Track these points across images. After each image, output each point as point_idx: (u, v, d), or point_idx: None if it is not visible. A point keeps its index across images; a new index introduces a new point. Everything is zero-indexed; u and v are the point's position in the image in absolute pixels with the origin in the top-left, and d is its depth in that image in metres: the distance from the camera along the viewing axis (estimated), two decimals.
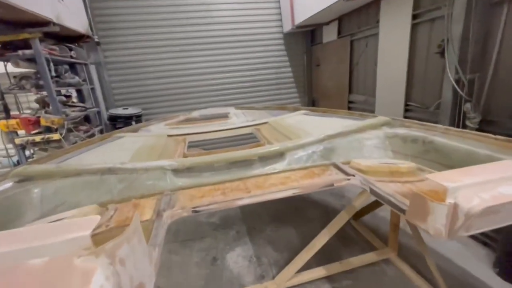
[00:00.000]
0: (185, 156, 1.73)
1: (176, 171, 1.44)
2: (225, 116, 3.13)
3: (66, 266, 0.50)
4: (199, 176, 1.47)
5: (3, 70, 2.25)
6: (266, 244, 2.30)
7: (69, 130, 2.49)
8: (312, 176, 1.41)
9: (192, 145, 2.44)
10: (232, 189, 1.29)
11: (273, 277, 1.86)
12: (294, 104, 5.33)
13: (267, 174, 1.46)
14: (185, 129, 2.57)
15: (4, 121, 2.12)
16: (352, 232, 2.40)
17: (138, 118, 4.28)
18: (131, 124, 4.01)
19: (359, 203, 1.66)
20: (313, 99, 5.50)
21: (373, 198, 1.26)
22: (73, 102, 3.24)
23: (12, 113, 2.23)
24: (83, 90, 3.49)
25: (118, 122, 3.87)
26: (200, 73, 4.89)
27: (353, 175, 1.33)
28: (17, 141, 2.20)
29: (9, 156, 2.50)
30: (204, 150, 3.00)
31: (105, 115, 4.05)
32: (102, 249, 0.54)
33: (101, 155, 1.72)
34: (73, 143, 2.44)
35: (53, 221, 1.06)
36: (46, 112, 2.33)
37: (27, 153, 2.34)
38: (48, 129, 2.30)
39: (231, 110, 3.49)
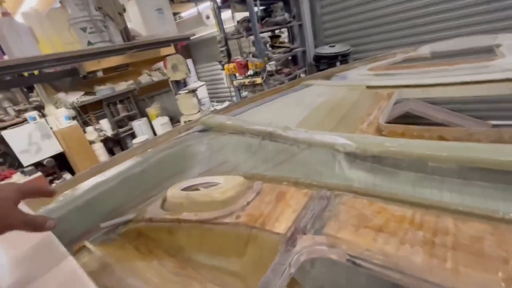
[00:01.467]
0: (378, 130, 1.11)
1: (353, 157, 0.92)
2: (487, 51, 1.79)
3: None
4: (390, 176, 0.85)
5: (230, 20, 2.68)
6: None
7: (271, 74, 2.63)
8: None
9: (400, 101, 1.65)
10: (457, 241, 0.56)
11: None
12: None
13: None
14: (397, 76, 1.76)
15: (226, 65, 2.63)
16: None
17: (344, 58, 3.80)
18: (334, 66, 3.66)
19: None
20: None
21: None
22: (280, 42, 3.38)
23: (234, 57, 2.73)
24: (293, 28, 3.52)
25: (322, 63, 3.66)
26: None
27: None
28: (235, 83, 2.69)
29: (231, 95, 3.24)
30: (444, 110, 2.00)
31: (311, 54, 3.99)
32: None
33: (277, 109, 1.55)
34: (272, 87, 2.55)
35: (204, 183, 1.04)
36: (253, 56, 2.58)
37: (244, 94, 2.86)
38: (256, 72, 2.57)
39: (507, 40, 1.89)
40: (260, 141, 1.16)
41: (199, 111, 4.90)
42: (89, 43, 1.20)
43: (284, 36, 3.63)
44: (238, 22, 2.78)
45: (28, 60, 1.09)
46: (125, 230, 0.97)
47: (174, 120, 5.64)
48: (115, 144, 4.92)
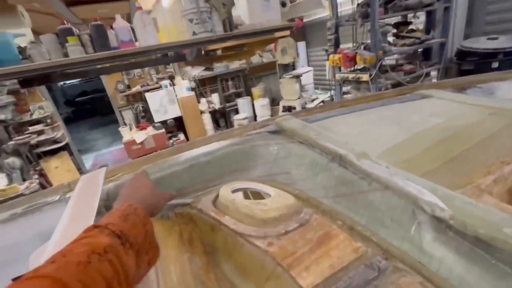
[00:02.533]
0: (510, 194, 0.75)
1: (444, 225, 0.66)
2: None
3: None
4: (501, 278, 0.56)
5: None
6: None
7: (385, 70, 2.18)
8: None
9: None
10: None
11: None
12: None
13: None
14: None
15: (331, 56, 2.36)
16: None
17: (509, 57, 2.72)
18: (488, 67, 2.70)
19: None
20: None
21: None
22: (410, 31, 2.72)
23: (343, 47, 2.40)
24: (434, 13, 2.76)
25: (467, 62, 2.74)
26: None
27: None
28: (337, 76, 2.40)
29: (330, 89, 2.93)
30: None
31: (454, 48, 3.05)
32: None
33: (367, 124, 1.30)
34: (380, 89, 2.15)
35: (256, 189, 1.01)
36: (365, 48, 2.18)
37: (345, 89, 2.54)
38: (365, 68, 2.20)
39: None
40: (328, 162, 1.01)
41: (299, 98, 4.83)
42: (194, 33, 1.34)
43: (419, 21, 2.89)
44: (358, 5, 2.39)
45: (147, 48, 1.34)
46: (181, 211, 1.08)
47: (274, 102, 5.82)
48: (221, 116, 5.60)
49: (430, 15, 2.81)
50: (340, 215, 0.85)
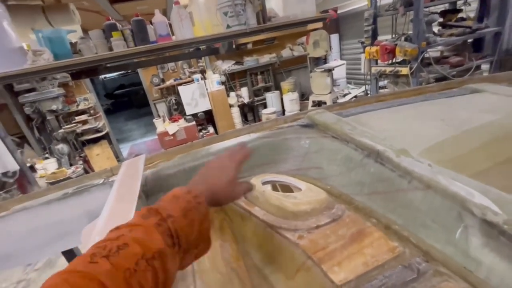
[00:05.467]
0: None
1: (496, 231, 0.60)
2: None
3: None
4: None
5: None
6: None
7: (427, 64, 2.02)
8: None
9: None
10: None
11: None
12: None
13: None
14: None
15: (368, 48, 2.23)
16: None
17: None
18: None
19: None
20: None
21: None
22: (459, 19, 2.47)
23: (381, 38, 2.25)
24: None
25: None
26: None
27: None
28: (373, 69, 2.27)
29: (365, 83, 2.77)
30: None
31: (511, 39, 2.72)
32: None
33: (407, 119, 1.22)
34: (421, 84, 2.00)
35: (286, 183, 1.01)
36: (406, 38, 2.02)
37: (381, 83, 2.40)
38: (405, 60, 2.05)
39: None
40: (363, 157, 0.97)
41: (330, 92, 4.68)
42: (228, 26, 1.35)
43: (470, 9, 2.61)
44: None
45: (183, 42, 1.39)
46: None
47: (304, 97, 5.71)
48: (249, 110, 5.64)
49: (484, 1, 2.53)
50: (374, 213, 0.82)
